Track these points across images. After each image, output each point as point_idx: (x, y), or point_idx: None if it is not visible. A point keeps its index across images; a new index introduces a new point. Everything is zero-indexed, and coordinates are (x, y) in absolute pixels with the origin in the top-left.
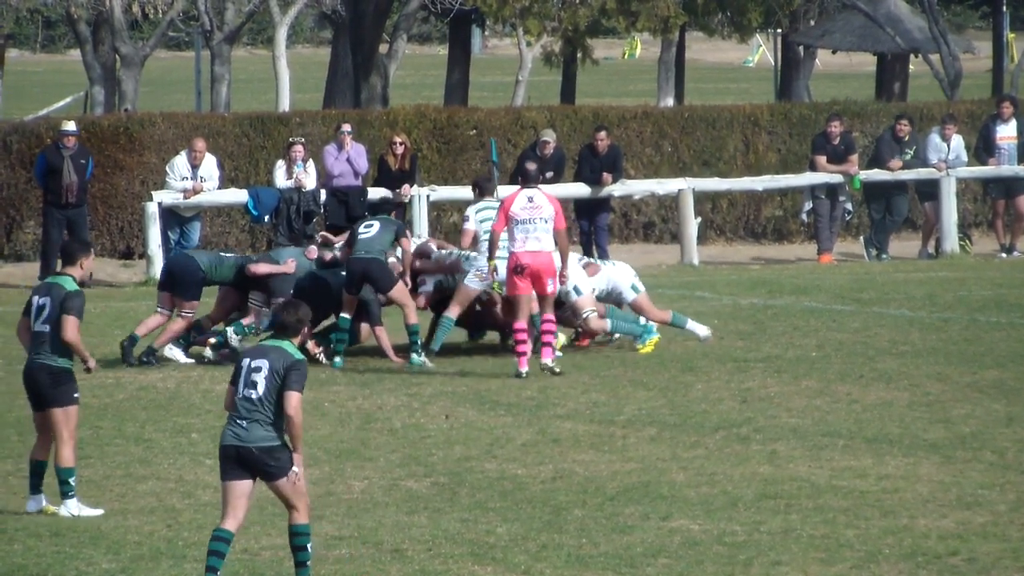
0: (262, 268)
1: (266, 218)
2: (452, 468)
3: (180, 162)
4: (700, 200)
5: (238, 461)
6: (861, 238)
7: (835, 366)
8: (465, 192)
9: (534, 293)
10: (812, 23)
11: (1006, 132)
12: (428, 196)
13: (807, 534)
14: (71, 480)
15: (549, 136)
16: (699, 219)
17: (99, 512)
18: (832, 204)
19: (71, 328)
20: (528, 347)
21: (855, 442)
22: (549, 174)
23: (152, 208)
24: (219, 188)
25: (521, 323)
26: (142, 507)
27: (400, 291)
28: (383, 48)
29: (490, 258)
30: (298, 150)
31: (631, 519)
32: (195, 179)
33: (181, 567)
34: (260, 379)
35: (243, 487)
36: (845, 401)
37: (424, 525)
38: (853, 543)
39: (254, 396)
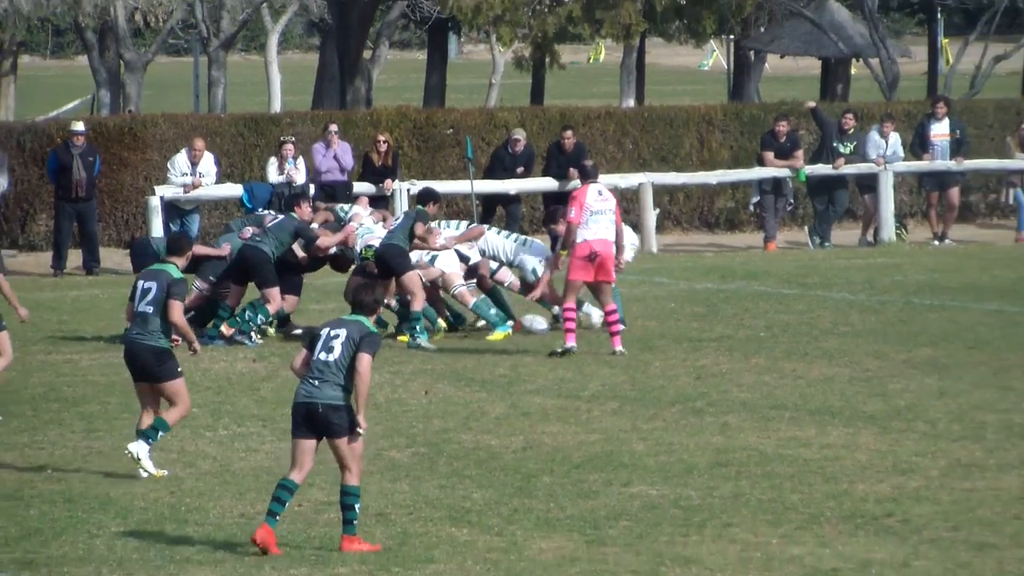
0: (200, 250)
1: (260, 210)
2: (431, 439)
3: (180, 159)
4: (659, 193)
5: (306, 418)
6: (805, 228)
7: (782, 345)
8: (443, 186)
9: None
10: (762, 30)
11: (940, 130)
12: (408, 190)
13: (756, 498)
14: (160, 433)
15: (520, 134)
16: (658, 210)
17: (164, 472)
18: (777, 197)
19: (177, 311)
20: (575, 324)
21: (800, 414)
22: (520, 169)
23: (155, 202)
24: (216, 183)
25: (572, 303)
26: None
27: (411, 278)
28: (367, 54)
29: (564, 248)
30: (289, 148)
31: (595, 485)
32: (194, 175)
33: (184, 530)
34: (337, 345)
35: (309, 445)
36: (791, 377)
37: (406, 491)
38: (798, 506)
39: (330, 359)
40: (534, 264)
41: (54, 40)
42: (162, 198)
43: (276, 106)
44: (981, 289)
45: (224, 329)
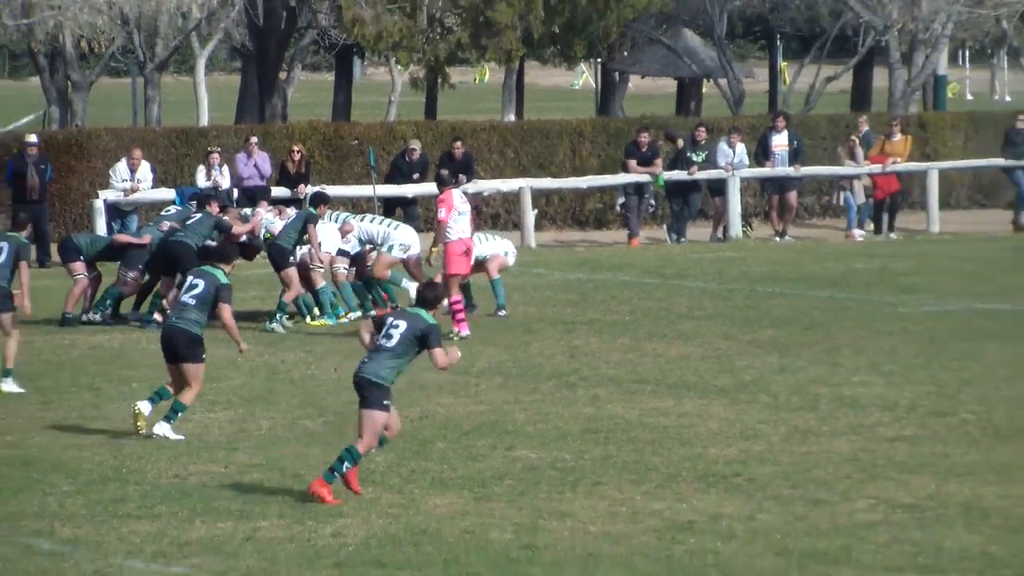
0: (122, 238)
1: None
2: (340, 410)
3: (121, 167)
4: (536, 196)
5: (358, 390)
6: (664, 225)
7: (644, 327)
8: (349, 190)
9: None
10: (625, 54)
11: (779, 141)
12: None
13: (622, 460)
14: (179, 414)
15: (415, 145)
16: (535, 211)
17: (181, 438)
18: (639, 199)
19: (227, 314)
20: (464, 314)
21: (660, 387)
22: (416, 175)
23: (98, 204)
24: (152, 188)
25: (457, 295)
26: (93, 442)
27: (288, 273)
28: (282, 75)
29: (434, 245)
30: (215, 157)
31: (482, 449)
32: (133, 181)
33: (125, 489)
34: (396, 334)
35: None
36: (652, 355)
37: (318, 455)
38: (658, 467)
39: (387, 345)
40: (398, 241)
41: (10, 63)
42: (105, 201)
43: (204, 121)
44: (815, 279)
45: (157, 316)
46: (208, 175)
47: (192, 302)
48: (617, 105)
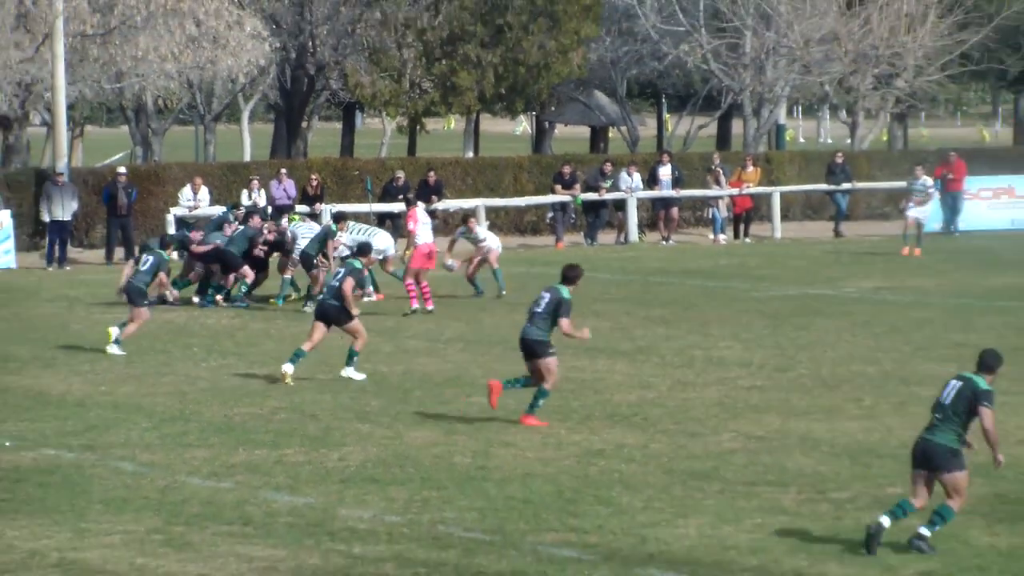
0: (200, 249)
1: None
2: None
3: (186, 191)
4: (489, 211)
5: (525, 348)
6: (581, 233)
7: None
8: (353, 207)
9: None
10: (553, 108)
11: (665, 172)
12: (330, 210)
13: (551, 404)
14: (355, 359)
15: (400, 174)
16: (487, 223)
17: (363, 376)
18: (563, 213)
19: (347, 287)
20: (415, 293)
21: (579, 351)
22: (400, 196)
23: (169, 217)
24: (208, 206)
25: (411, 282)
26: (165, 391)
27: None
28: (304, 124)
29: (407, 248)
30: (255, 183)
31: (449, 397)
32: (195, 201)
33: (187, 425)
34: (543, 302)
35: (531, 365)
36: None
37: (328, 400)
38: (578, 409)
39: (537, 310)
40: (380, 246)
41: (106, 115)
42: (174, 215)
43: (247, 157)
44: (691, 272)
45: (219, 299)
46: (250, 196)
47: (336, 284)
48: (547, 146)
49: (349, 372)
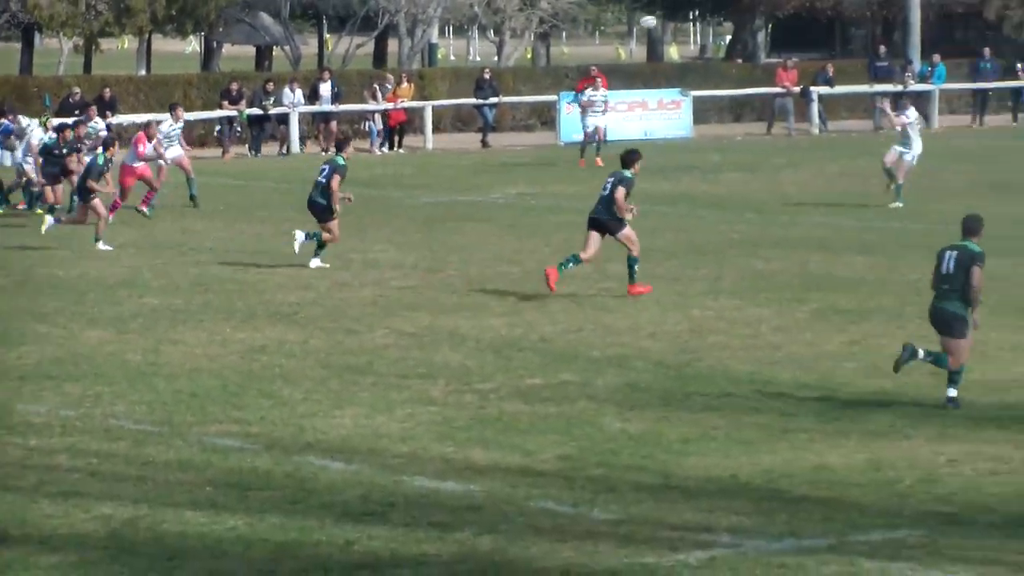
0: None
1: None
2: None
3: None
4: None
5: (594, 223)
6: (247, 145)
7: (241, 214)
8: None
9: None
10: (220, 29)
11: (325, 88)
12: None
13: (217, 304)
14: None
15: (77, 90)
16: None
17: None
18: (230, 127)
19: (335, 184)
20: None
21: (243, 254)
22: (77, 111)
23: None
24: None
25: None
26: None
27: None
28: None
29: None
30: None
31: (121, 299)
32: None
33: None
34: (607, 186)
35: (594, 235)
36: (237, 232)
37: (292, 339)
38: (242, 309)
39: (603, 194)
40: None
41: None
42: None
43: None
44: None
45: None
46: None
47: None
48: (215, 64)
49: (315, 263)
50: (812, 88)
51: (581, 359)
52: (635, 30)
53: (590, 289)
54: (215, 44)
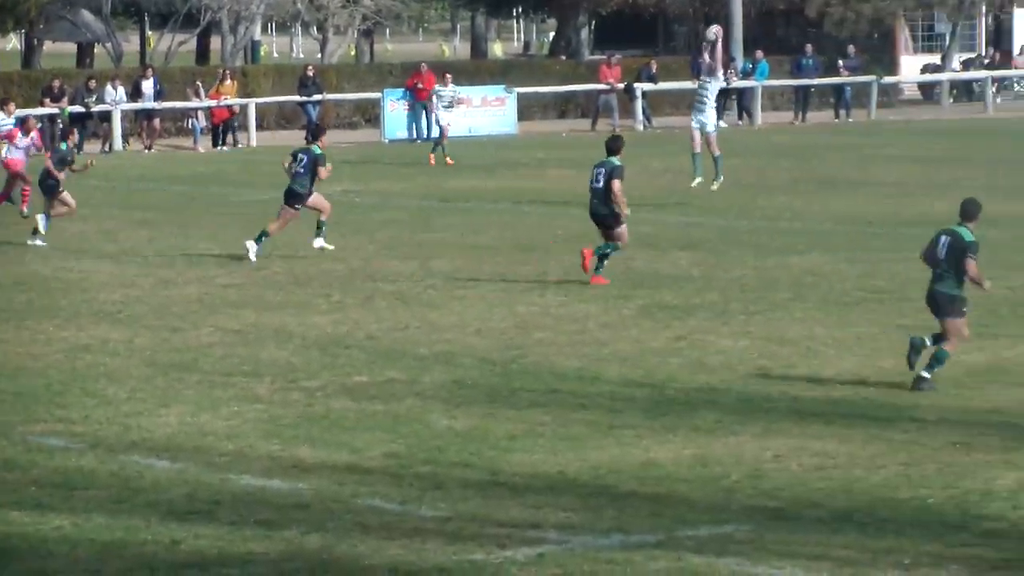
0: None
1: None
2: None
3: None
4: None
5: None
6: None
7: (96, 213)
8: None
9: None
10: (41, 26)
11: (148, 86)
12: None
13: (39, 304)
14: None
15: None
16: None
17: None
18: (51, 125)
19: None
20: None
21: (66, 252)
22: None
23: None
24: None
25: None
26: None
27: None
28: None
29: None
30: None
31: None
32: None
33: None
34: (600, 178)
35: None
36: (99, 229)
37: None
38: (65, 307)
39: (596, 186)
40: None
41: None
42: None
43: None
44: (173, 178)
45: None
46: None
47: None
48: (36, 61)
49: (319, 242)
50: (636, 85)
51: (407, 356)
52: (459, 27)
53: (416, 287)
54: (36, 41)
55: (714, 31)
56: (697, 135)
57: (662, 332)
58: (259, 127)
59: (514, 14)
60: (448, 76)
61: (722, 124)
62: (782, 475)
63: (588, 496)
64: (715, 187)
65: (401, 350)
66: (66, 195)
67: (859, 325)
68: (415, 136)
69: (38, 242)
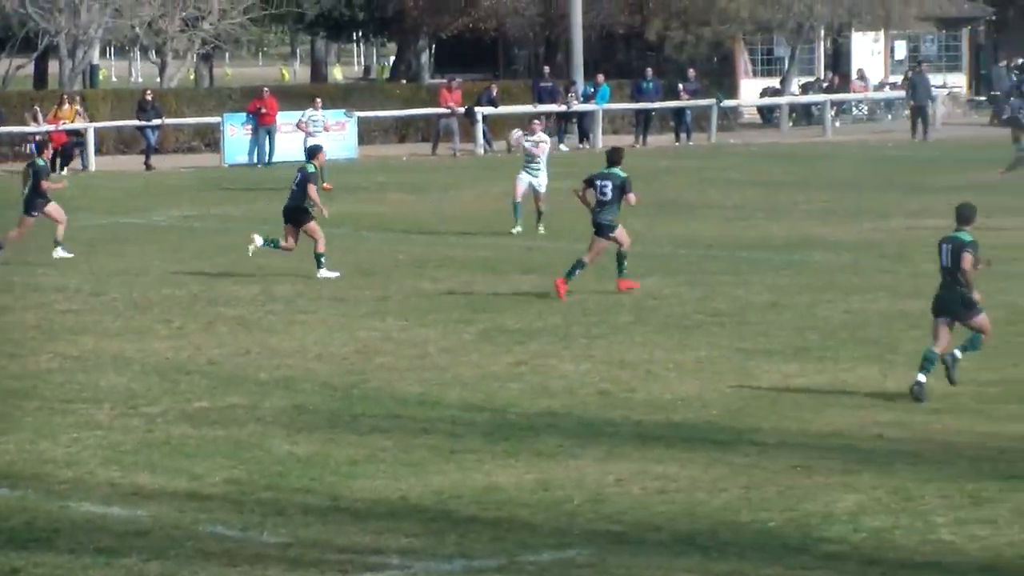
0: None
1: None
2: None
3: None
4: None
5: (597, 233)
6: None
7: None
8: None
9: None
10: None
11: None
12: None
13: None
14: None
15: None
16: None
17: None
18: None
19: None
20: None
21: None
22: None
23: None
24: None
25: None
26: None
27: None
28: None
29: None
30: None
31: None
32: None
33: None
34: (608, 191)
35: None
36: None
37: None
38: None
39: (604, 199)
40: None
41: None
42: None
43: None
44: (4, 203)
45: None
46: None
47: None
48: None
49: (323, 273)
50: (477, 108)
51: (248, 382)
52: (299, 51)
53: (257, 311)
54: None
55: (515, 137)
56: (522, 187)
57: (503, 356)
58: (98, 152)
59: (354, 38)
60: (318, 100)
61: (563, 148)
62: (624, 499)
63: (430, 521)
64: (516, 231)
65: (242, 375)
66: (52, 208)
67: (699, 348)
68: (255, 160)
69: None
